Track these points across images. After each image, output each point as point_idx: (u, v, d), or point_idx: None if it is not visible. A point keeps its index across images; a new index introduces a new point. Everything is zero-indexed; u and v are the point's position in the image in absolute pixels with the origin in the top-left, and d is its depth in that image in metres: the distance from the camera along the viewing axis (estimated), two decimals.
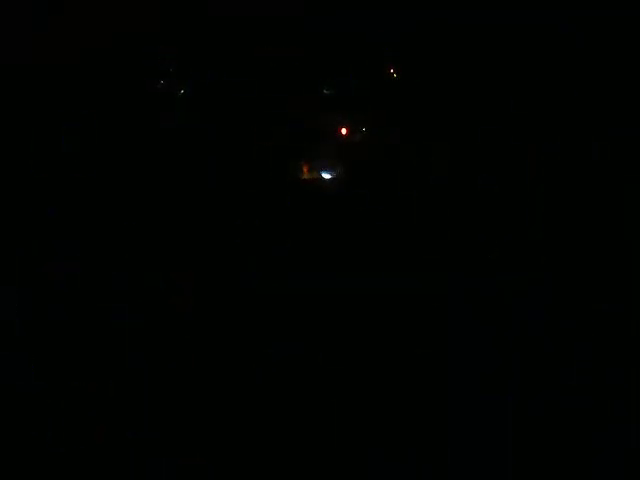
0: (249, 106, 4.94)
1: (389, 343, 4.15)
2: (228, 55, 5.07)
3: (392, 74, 5.09)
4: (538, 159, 4.64)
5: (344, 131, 4.91)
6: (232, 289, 4.39)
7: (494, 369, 3.98)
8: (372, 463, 3.64)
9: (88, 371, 4.04)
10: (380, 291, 4.28)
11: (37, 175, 4.66)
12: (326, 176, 4.86)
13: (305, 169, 4.88)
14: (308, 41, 5.08)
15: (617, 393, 3.77)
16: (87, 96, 4.90)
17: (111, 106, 4.90)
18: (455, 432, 3.71)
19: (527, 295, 4.22)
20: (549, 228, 4.49)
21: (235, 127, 4.92)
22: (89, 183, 4.68)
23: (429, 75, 4.95)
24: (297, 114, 4.93)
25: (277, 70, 5.05)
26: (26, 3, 4.75)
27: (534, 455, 3.58)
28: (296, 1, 5.05)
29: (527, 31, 4.77)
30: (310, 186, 4.86)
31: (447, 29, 4.86)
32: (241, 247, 4.55)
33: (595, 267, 4.29)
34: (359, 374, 4.02)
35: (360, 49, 5.03)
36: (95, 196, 4.66)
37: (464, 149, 4.73)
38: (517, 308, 4.18)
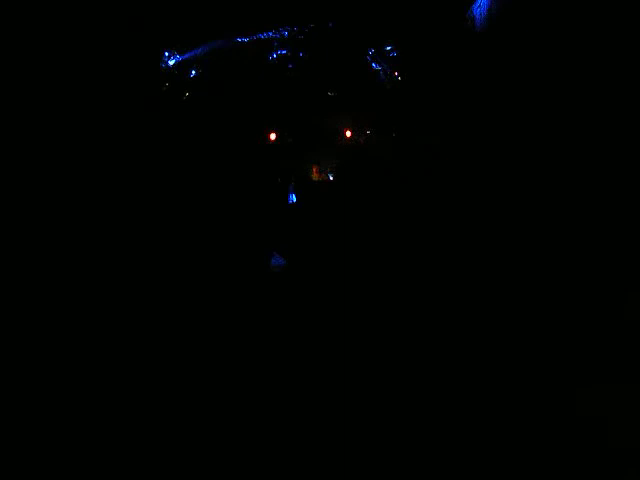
0: (251, 106, 4.96)
1: (389, 342, 4.15)
2: (228, 55, 5.08)
3: (392, 74, 5.10)
4: (538, 159, 4.65)
5: (348, 134, 4.93)
6: (233, 289, 4.39)
7: (494, 369, 3.98)
8: (373, 463, 3.64)
9: (88, 371, 4.04)
10: (381, 290, 4.29)
11: (37, 175, 4.67)
12: (328, 176, 4.87)
13: (305, 169, 4.89)
14: (308, 41, 5.09)
15: (617, 393, 3.77)
16: (87, 96, 4.91)
17: (111, 106, 4.91)
18: (455, 432, 3.71)
19: (527, 295, 4.24)
20: (549, 228, 4.50)
21: (237, 127, 4.93)
22: (89, 183, 4.69)
23: (429, 75, 4.97)
24: (300, 115, 4.95)
25: (278, 70, 5.07)
26: (26, 3, 4.76)
27: (534, 455, 3.59)
28: (296, 1, 5.06)
29: (527, 31, 4.78)
30: (310, 186, 4.87)
31: (447, 29, 4.88)
32: (243, 245, 4.56)
33: (595, 267, 4.30)
34: (359, 373, 4.02)
35: (360, 49, 5.04)
36: (95, 196, 4.67)
37: (464, 149, 4.74)
38: (517, 308, 4.19)
